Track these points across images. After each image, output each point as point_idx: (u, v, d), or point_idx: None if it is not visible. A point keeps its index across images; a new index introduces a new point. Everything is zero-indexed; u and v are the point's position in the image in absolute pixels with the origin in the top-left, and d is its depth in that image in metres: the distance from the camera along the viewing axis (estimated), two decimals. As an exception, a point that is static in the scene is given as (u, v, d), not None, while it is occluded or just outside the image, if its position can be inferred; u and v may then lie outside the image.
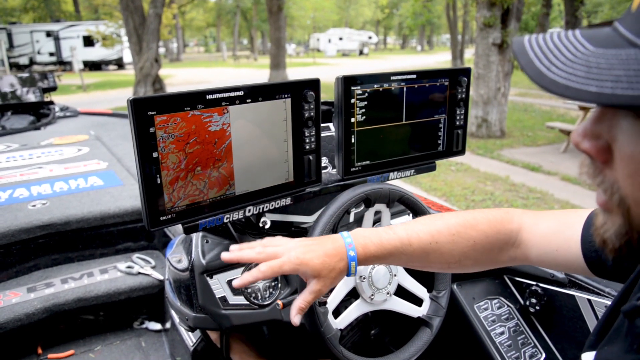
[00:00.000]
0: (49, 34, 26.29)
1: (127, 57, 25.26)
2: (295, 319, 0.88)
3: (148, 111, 0.91)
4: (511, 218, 0.89)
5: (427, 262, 0.90)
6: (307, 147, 1.19)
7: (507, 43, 8.32)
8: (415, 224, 0.91)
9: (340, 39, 46.96)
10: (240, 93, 1.03)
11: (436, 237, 0.88)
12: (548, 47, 0.44)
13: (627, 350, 0.50)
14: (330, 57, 42.68)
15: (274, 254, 0.86)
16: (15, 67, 25.47)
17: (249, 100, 1.05)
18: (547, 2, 15.54)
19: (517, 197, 5.57)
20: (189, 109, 0.97)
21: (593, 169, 0.48)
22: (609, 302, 1.29)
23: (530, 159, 7.30)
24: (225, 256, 0.88)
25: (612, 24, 0.44)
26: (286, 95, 1.11)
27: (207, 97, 0.99)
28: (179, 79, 21.09)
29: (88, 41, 25.89)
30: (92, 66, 27.37)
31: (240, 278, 0.86)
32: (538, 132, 9.24)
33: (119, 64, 28.34)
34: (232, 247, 0.91)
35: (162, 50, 34.40)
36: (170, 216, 1.00)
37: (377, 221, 1.42)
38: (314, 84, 1.16)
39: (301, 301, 0.87)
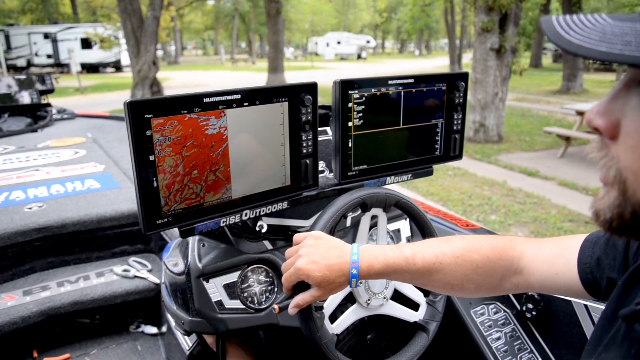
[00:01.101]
0: (46, 36, 26.27)
1: (125, 59, 25.25)
2: (291, 310, 0.98)
3: (145, 114, 0.91)
4: (514, 246, 0.91)
5: (429, 281, 0.93)
6: (304, 151, 1.19)
7: (505, 48, 8.34)
8: (421, 245, 0.94)
9: (339, 42, 47.05)
10: (238, 96, 1.03)
11: (440, 258, 0.90)
12: (572, 19, 0.48)
13: (625, 355, 0.50)
14: (329, 61, 42.75)
15: (289, 264, 0.97)
16: (13, 69, 25.45)
17: (246, 104, 1.05)
18: (545, 7, 15.62)
19: (514, 202, 5.58)
20: (185, 112, 0.96)
21: (600, 144, 0.52)
22: (605, 308, 1.30)
23: (528, 164, 7.31)
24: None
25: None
26: (283, 99, 1.11)
27: (204, 100, 0.98)
28: (176, 81, 21.08)
29: (86, 43, 25.90)
30: (90, 68, 27.36)
31: (293, 302, 0.98)
32: (535, 137, 9.26)
33: (117, 66, 28.34)
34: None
35: (160, 53, 34.41)
36: (166, 220, 1.00)
37: (373, 225, 1.41)
38: (311, 88, 1.16)
39: (300, 299, 0.96)
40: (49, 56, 26.54)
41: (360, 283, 1.20)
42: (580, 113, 7.58)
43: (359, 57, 46.61)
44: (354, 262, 0.91)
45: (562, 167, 7.17)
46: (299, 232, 1.35)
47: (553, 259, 0.85)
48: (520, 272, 0.90)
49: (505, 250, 0.91)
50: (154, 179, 0.95)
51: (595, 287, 0.78)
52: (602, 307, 1.30)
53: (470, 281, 0.91)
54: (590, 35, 0.44)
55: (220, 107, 1.01)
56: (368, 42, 49.38)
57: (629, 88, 0.48)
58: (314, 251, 0.94)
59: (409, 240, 1.56)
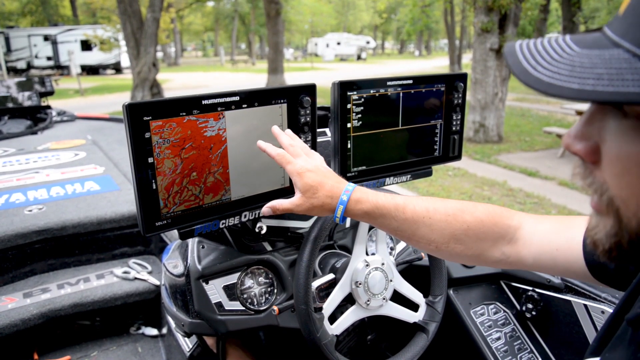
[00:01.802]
0: (46, 38, 26.28)
1: (125, 61, 25.22)
2: (265, 209, 1.01)
3: (143, 116, 0.91)
4: (512, 215, 0.89)
5: (415, 235, 0.90)
6: (303, 153, 1.19)
7: (503, 57, 8.33)
8: (415, 197, 0.92)
9: (338, 43, 47.06)
10: (236, 98, 1.03)
11: (431, 213, 0.88)
12: (537, 49, 0.46)
13: (630, 358, 0.49)
14: (328, 62, 42.76)
15: (296, 154, 0.99)
16: (13, 71, 25.44)
17: (244, 106, 1.05)
18: (545, 7, 15.61)
19: (514, 202, 5.58)
20: (184, 114, 0.97)
21: (584, 170, 0.49)
22: (605, 308, 1.30)
23: (528, 164, 7.31)
24: (274, 129, 1.05)
25: (602, 29, 0.45)
26: (282, 101, 1.11)
27: (203, 102, 0.99)
28: (176, 83, 21.09)
29: (86, 45, 25.90)
30: (90, 70, 27.36)
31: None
32: (535, 137, 9.26)
33: (117, 68, 28.34)
34: (274, 128, 1.06)
35: (160, 54, 34.43)
36: (165, 221, 1.00)
37: (372, 227, 1.42)
38: (310, 89, 1.16)
39: (278, 203, 0.99)
40: (48, 58, 26.55)
41: (359, 284, 1.20)
42: (580, 113, 7.58)
43: (359, 57, 46.61)
44: (347, 190, 0.92)
45: (562, 166, 7.17)
46: (298, 233, 1.36)
47: (555, 233, 0.82)
48: (514, 243, 0.87)
49: (502, 218, 0.88)
50: (153, 181, 0.96)
51: (601, 269, 0.74)
52: (602, 307, 1.30)
53: (458, 242, 0.88)
54: (559, 69, 0.42)
55: (219, 109, 1.01)
56: (368, 42, 49.38)
57: (604, 110, 0.46)
58: (320, 166, 0.98)
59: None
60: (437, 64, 34.10)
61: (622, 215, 0.46)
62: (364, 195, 0.92)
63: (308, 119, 1.17)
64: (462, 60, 24.24)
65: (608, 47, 0.41)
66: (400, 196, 0.93)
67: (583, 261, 0.76)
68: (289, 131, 1.09)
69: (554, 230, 0.82)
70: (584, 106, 7.73)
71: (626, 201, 0.45)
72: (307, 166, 0.95)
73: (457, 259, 0.92)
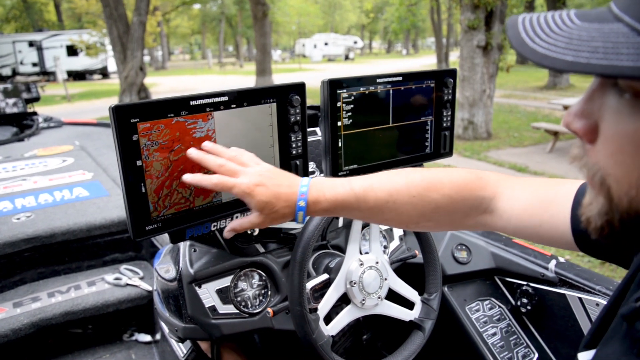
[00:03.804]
0: (31, 44, 26.03)
1: (112, 66, 25.05)
2: (226, 234, 0.97)
3: (131, 118, 0.89)
4: (484, 185, 0.85)
5: (383, 220, 0.88)
6: (294, 152, 1.18)
7: (492, 45, 8.39)
8: (375, 179, 0.87)
9: (326, 44, 47.11)
10: (225, 98, 1.02)
11: (394, 197, 0.84)
12: (538, 23, 0.45)
13: (626, 352, 0.49)
14: (316, 63, 42.79)
15: (233, 171, 0.88)
16: (-2, 78, 25.21)
17: (233, 106, 1.04)
18: (530, 4, 15.74)
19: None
20: (172, 115, 0.95)
21: (581, 149, 0.49)
22: (599, 300, 1.30)
23: (517, 160, 7.35)
24: (191, 152, 0.94)
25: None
26: (271, 100, 1.10)
27: (191, 103, 0.97)
28: (164, 87, 20.98)
29: (72, 51, 25.69)
30: (77, 76, 27.12)
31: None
32: (524, 133, 9.32)
33: (104, 73, 28.12)
34: (206, 145, 0.96)
35: (147, 58, 34.26)
36: (155, 225, 0.98)
37: (366, 225, 1.41)
38: (299, 88, 1.15)
39: (237, 224, 0.93)
40: (34, 64, 26.31)
41: (354, 284, 1.19)
42: (567, 108, 7.64)
43: (347, 57, 46.70)
44: (302, 194, 0.85)
45: (551, 161, 7.22)
46: (291, 233, 1.35)
47: (538, 206, 0.78)
48: (489, 213, 0.84)
49: (473, 190, 0.84)
50: (142, 184, 0.94)
51: (590, 244, 0.72)
52: (596, 299, 1.30)
53: (429, 220, 0.86)
54: (556, 42, 0.42)
55: (208, 109, 1.00)
56: (355, 42, 49.51)
57: (604, 88, 0.45)
58: (264, 172, 0.88)
59: (401, 239, 1.56)
60: (424, 62, 34.20)
61: (613, 195, 0.46)
62: (321, 194, 0.85)
63: (298, 118, 1.16)
64: (449, 58, 24.34)
65: (609, 21, 0.41)
66: (359, 182, 0.87)
67: (571, 235, 0.74)
68: (208, 144, 0.97)
69: (536, 204, 0.79)
70: (572, 101, 7.79)
71: (618, 180, 0.45)
72: (253, 181, 0.86)
73: (431, 231, 0.90)
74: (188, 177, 0.92)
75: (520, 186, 0.83)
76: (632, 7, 0.40)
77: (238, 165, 0.90)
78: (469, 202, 0.84)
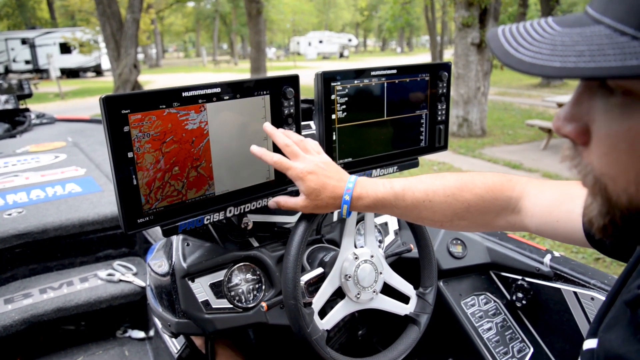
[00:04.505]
0: (24, 41, 25.84)
1: (106, 63, 24.84)
2: (271, 203, 1.10)
3: (122, 109, 0.88)
4: (513, 186, 0.90)
5: (419, 218, 0.96)
6: (288, 145, 1.16)
7: (486, 42, 8.40)
8: (413, 181, 0.96)
9: (321, 42, 47.09)
10: (217, 90, 1.01)
11: (430, 196, 0.92)
12: (519, 32, 0.46)
13: (629, 339, 0.49)
14: (311, 60, 42.73)
15: (295, 154, 1.00)
16: (-10, 75, 25.01)
17: (226, 98, 1.03)
18: (524, 1, 15.76)
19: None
20: (164, 107, 0.94)
21: (573, 152, 0.49)
22: (595, 294, 1.30)
23: (512, 157, 7.37)
24: (266, 125, 1.06)
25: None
26: (265, 92, 1.09)
27: (183, 94, 0.96)
28: (158, 84, 20.86)
29: (65, 48, 25.54)
30: (70, 73, 26.95)
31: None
32: (518, 130, 9.34)
33: (97, 70, 27.96)
34: (268, 127, 1.06)
35: (140, 56, 34.07)
36: (147, 218, 0.97)
37: (361, 219, 1.40)
38: (293, 80, 1.14)
39: (284, 200, 1.05)
40: (27, 62, 26.11)
41: (349, 277, 1.18)
42: (561, 105, 7.66)
43: (341, 55, 46.69)
44: (349, 189, 0.96)
45: (545, 159, 7.24)
46: (285, 228, 1.33)
47: (556, 206, 0.83)
48: (517, 212, 0.89)
49: (502, 190, 0.90)
50: (134, 176, 0.93)
51: (600, 242, 0.75)
52: (591, 293, 1.30)
53: (462, 218, 0.92)
54: (540, 49, 0.42)
55: (200, 101, 0.99)
56: (350, 40, 49.51)
57: (591, 90, 0.46)
58: (319, 163, 0.99)
59: (396, 233, 1.55)
60: (419, 60, 34.23)
61: (611, 194, 0.46)
62: (364, 191, 0.96)
63: (292, 110, 1.15)
64: (444, 56, 24.39)
65: (589, 24, 0.41)
66: (399, 183, 0.96)
67: (582, 233, 0.78)
68: (276, 129, 1.08)
69: (555, 202, 0.84)
70: (565, 98, 7.81)
71: (614, 179, 0.45)
72: (307, 168, 0.97)
73: (464, 230, 0.98)
74: (255, 148, 1.03)
75: (546, 186, 0.89)
76: (611, 8, 0.40)
77: (301, 150, 1.01)
78: (499, 202, 0.90)
